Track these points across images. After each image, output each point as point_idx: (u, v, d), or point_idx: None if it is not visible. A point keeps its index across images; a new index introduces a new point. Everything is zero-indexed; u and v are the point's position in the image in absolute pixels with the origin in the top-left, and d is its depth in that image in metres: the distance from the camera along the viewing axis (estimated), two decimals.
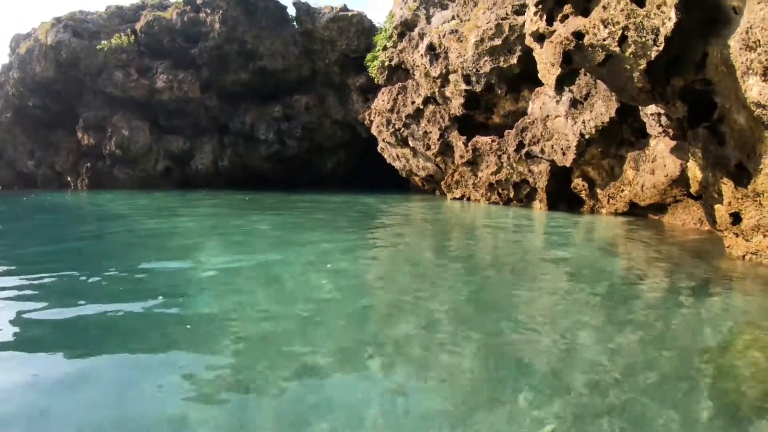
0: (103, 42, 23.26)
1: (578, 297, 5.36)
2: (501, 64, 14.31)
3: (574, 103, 12.79)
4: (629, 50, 7.33)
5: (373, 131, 20.09)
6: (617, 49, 7.44)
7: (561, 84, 8.73)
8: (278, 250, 7.93)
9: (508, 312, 4.88)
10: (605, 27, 7.51)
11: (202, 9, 23.18)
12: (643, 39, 7.16)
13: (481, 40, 14.47)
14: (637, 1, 7.31)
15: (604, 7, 7.55)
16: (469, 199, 16.56)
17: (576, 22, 7.99)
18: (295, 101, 24.19)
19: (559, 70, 8.34)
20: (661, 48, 7.09)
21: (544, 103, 13.61)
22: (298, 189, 22.68)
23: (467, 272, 6.66)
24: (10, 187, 27.16)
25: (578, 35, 7.94)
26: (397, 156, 19.66)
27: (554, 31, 8.39)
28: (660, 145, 11.14)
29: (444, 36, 15.96)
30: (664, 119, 10.38)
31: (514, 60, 14.09)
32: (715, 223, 7.94)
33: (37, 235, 10.33)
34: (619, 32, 7.37)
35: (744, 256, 7.09)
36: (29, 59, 23.75)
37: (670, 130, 10.46)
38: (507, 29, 13.98)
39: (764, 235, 6.70)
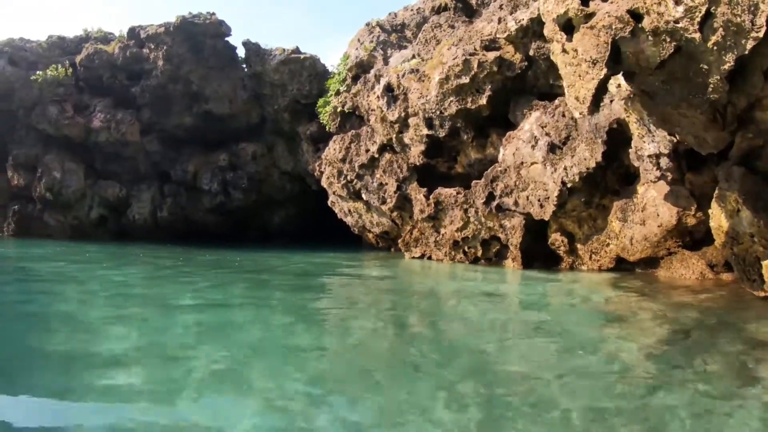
0: (38, 72, 21.08)
1: None
2: (468, 105, 12.65)
3: (552, 148, 11.14)
4: (714, 38, 5.01)
5: (323, 183, 18.15)
6: (697, 35, 5.07)
7: (598, 98, 6.06)
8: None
9: None
10: (677, 3, 5.14)
11: (146, 44, 21.29)
12: (738, 19, 4.83)
13: (447, 78, 12.83)
14: None
15: None
16: (430, 258, 14.54)
17: None
18: (242, 149, 22.21)
19: (604, 70, 5.69)
20: (761, 34, 4.81)
21: (518, 149, 11.92)
22: (243, 245, 20.41)
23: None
24: None
25: (635, 15, 5.45)
26: (349, 211, 17.72)
27: (592, 13, 5.85)
28: (651, 192, 9.46)
29: (403, 75, 14.32)
30: (664, 161, 8.65)
31: (483, 100, 12.46)
32: (755, 282, 6.10)
33: None
34: (703, 8, 4.98)
35: None
36: None
37: (668, 174, 8.78)
38: (476, 66, 12.37)
39: None
